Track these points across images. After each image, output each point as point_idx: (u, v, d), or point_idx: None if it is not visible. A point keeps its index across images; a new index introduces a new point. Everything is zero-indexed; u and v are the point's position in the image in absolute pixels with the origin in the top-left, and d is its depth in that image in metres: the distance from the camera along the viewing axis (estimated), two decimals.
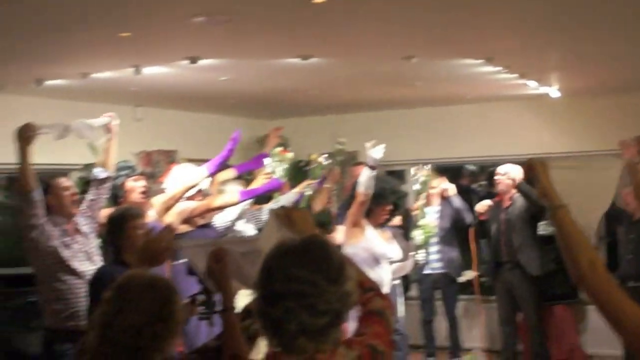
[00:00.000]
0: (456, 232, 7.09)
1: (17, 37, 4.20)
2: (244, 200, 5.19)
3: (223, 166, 5.15)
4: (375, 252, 5.14)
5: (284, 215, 2.43)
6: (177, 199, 4.97)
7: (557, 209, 2.05)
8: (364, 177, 5.12)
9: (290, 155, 5.66)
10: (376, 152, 5.18)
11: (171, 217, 4.81)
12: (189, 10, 3.76)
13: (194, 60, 4.85)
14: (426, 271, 7.03)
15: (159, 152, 7.34)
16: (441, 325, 7.26)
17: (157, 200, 5.10)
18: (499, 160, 8.58)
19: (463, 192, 7.55)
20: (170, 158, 7.48)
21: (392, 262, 5.42)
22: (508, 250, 6.56)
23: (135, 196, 5.18)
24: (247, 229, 5.99)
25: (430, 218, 6.85)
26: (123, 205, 4.79)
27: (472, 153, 7.99)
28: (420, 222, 6.59)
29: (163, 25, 4.12)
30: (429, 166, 6.95)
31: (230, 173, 5.61)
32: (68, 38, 4.30)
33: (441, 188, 7.05)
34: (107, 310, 2.25)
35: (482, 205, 6.78)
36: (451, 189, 7.09)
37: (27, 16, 3.78)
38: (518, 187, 6.42)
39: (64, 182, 4.54)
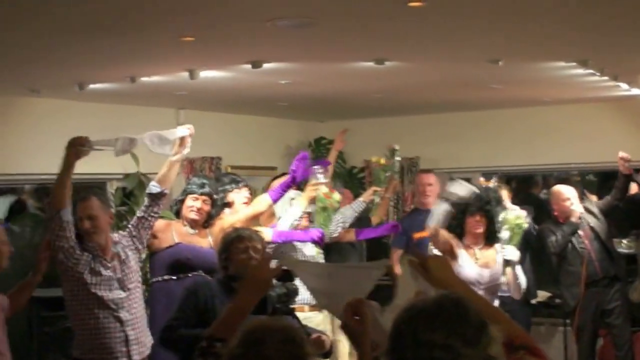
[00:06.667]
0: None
1: (62, 39, 4.06)
2: (277, 242, 4.90)
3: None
4: (465, 279, 4.90)
5: (418, 264, 2.30)
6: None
7: None
8: (439, 211, 4.87)
9: (337, 196, 5.31)
10: (462, 188, 4.90)
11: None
12: (262, 14, 3.60)
13: (257, 64, 4.70)
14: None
15: (203, 159, 7.21)
16: None
17: (218, 226, 4.93)
18: (577, 168, 8.40)
19: (533, 203, 7.22)
20: (214, 165, 7.35)
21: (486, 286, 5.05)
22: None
23: (190, 215, 4.90)
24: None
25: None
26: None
27: (550, 160, 7.69)
28: (501, 217, 5.37)
29: (230, 29, 3.97)
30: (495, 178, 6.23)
31: (263, 203, 4.99)
32: (119, 41, 4.17)
33: None
34: None
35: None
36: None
37: (76, 17, 3.63)
38: None
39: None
